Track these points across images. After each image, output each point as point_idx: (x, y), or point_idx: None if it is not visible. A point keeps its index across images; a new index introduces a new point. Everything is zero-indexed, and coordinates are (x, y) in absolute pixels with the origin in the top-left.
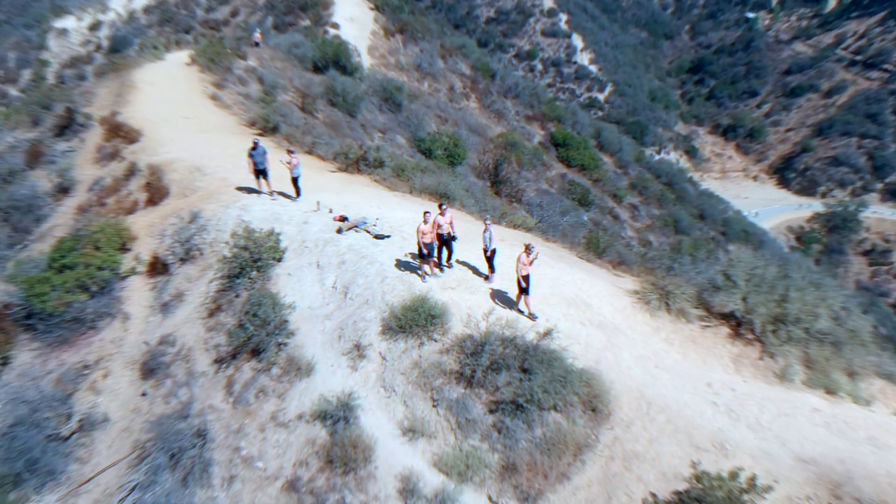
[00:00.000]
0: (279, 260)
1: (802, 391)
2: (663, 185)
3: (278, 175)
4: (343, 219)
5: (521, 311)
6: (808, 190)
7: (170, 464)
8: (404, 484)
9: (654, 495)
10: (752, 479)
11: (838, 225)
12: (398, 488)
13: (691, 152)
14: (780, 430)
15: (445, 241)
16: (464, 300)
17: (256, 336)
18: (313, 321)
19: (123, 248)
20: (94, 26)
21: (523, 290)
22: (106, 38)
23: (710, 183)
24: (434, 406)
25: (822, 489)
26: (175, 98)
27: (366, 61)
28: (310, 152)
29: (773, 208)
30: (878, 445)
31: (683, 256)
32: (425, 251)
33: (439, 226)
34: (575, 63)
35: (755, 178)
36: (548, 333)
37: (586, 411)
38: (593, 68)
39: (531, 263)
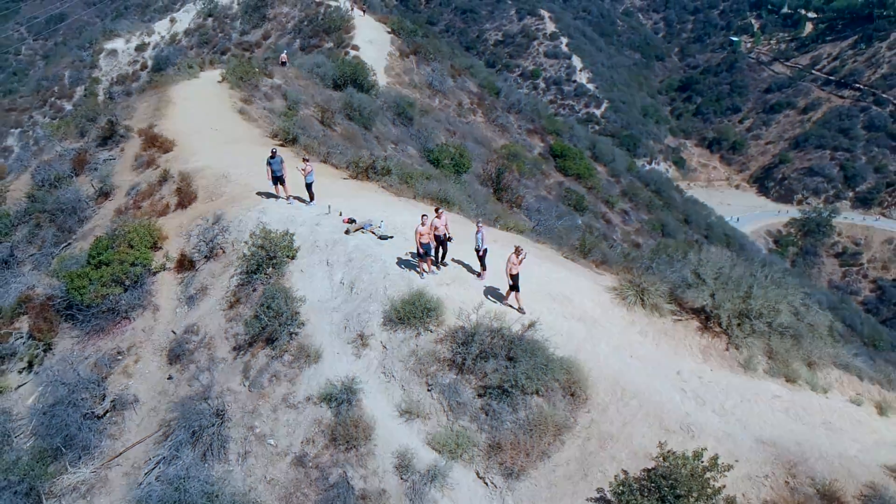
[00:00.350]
0: (293, 258)
1: (765, 379)
2: (652, 193)
3: (295, 181)
4: (351, 221)
5: (510, 306)
6: (785, 198)
7: (191, 440)
8: (400, 460)
9: (625, 472)
10: (715, 458)
11: (813, 229)
12: (395, 464)
13: (679, 163)
14: (743, 414)
15: (442, 241)
16: (457, 295)
17: (270, 326)
18: (322, 313)
19: (155, 247)
20: (141, 47)
21: (513, 288)
22: (150, 58)
23: (696, 191)
24: (429, 390)
25: (780, 468)
26: (207, 112)
27: (383, 79)
28: (325, 161)
29: (753, 214)
30: (832, 429)
31: (661, 257)
32: (423, 251)
33: (436, 228)
34: (574, 82)
35: (737, 186)
36: (532, 325)
37: (566, 396)
38: (591, 87)
39: (520, 263)
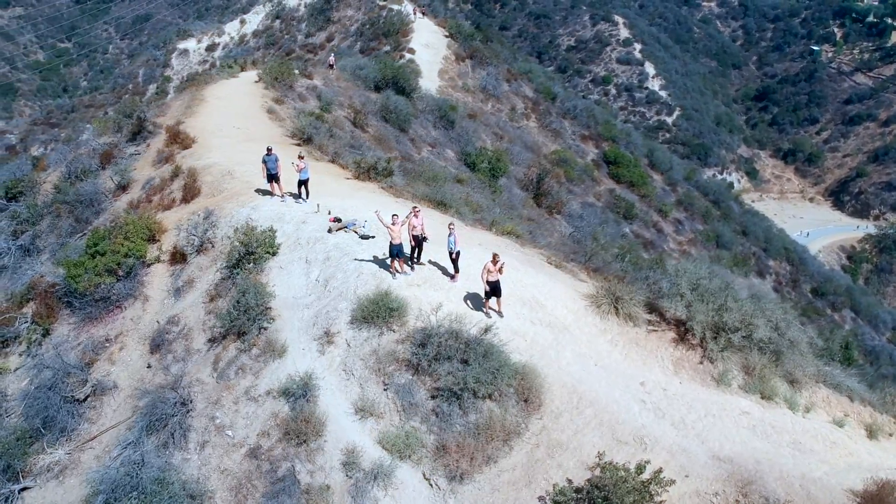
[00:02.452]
0: (274, 254)
1: (737, 395)
2: (710, 203)
3: (294, 179)
4: (337, 220)
5: (485, 312)
6: (861, 212)
7: (155, 428)
8: (348, 457)
9: (570, 481)
10: (658, 472)
11: (889, 246)
12: (342, 461)
13: (752, 174)
14: (703, 429)
15: (418, 241)
16: (426, 296)
17: (240, 320)
18: (294, 309)
19: (152, 240)
20: (211, 47)
21: (493, 293)
22: (219, 58)
23: (768, 203)
24: (385, 389)
25: (731, 486)
26: (236, 111)
27: (435, 83)
28: (333, 161)
29: (826, 228)
30: (800, 449)
31: (655, 267)
32: (395, 251)
33: (413, 227)
34: (646, 88)
35: (811, 199)
36: (488, 329)
37: (519, 401)
38: (663, 94)
39: (500, 271)
